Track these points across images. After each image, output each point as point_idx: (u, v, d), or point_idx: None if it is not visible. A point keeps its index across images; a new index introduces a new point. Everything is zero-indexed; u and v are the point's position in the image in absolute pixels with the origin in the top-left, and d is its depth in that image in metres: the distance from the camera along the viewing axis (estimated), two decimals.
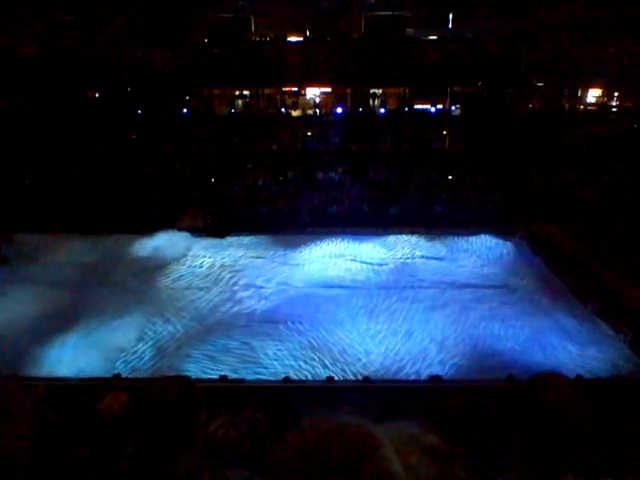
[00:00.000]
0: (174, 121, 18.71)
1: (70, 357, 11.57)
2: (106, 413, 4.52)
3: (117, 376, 7.79)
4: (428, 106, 20.15)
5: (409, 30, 19.88)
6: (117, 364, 11.37)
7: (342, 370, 11.35)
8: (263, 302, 14.48)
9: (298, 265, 16.38)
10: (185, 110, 19.31)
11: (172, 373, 9.37)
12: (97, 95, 20.77)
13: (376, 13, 18.41)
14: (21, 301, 14.14)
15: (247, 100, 19.47)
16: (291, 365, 11.69)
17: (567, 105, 20.45)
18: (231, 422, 4.59)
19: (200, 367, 11.65)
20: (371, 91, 19.61)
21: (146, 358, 11.76)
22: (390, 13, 19.05)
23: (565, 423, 1.88)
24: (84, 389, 6.28)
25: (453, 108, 20.11)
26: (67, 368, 11.10)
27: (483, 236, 17.81)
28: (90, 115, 18.81)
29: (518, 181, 18.67)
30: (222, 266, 16.31)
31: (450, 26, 20.64)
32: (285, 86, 19.74)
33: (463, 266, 16.31)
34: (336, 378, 10.13)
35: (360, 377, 10.14)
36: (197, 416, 3.94)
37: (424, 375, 10.53)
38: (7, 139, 17.05)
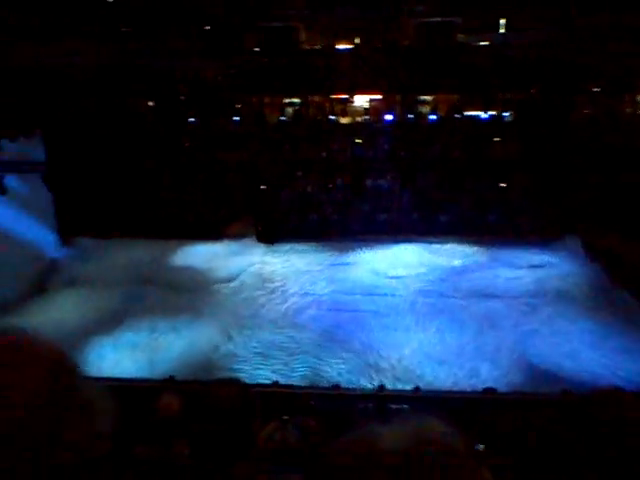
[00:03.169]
0: (225, 129, 19.01)
1: (121, 359, 11.88)
2: (163, 413, 4.62)
3: (171, 378, 7.92)
4: (480, 112, 19.82)
5: (460, 36, 19.61)
6: (169, 366, 11.60)
7: (392, 379, 11.27)
8: (311, 309, 14.55)
9: (347, 272, 16.38)
10: (236, 118, 19.58)
11: (223, 376, 9.54)
12: (151, 104, 21.28)
13: (426, 20, 18.23)
14: (75, 303, 14.65)
15: (297, 108, 19.60)
16: (340, 372, 11.69)
17: (625, 111, 19.80)
18: (285, 427, 4.61)
19: (250, 369, 11.79)
20: (421, 98, 19.44)
21: (198, 360, 11.96)
22: (440, 19, 18.85)
23: (627, 439, 1.81)
24: (140, 390, 6.42)
25: (505, 115, 19.74)
26: (119, 369, 11.41)
27: (537, 245, 17.37)
28: (145, 124, 19.32)
29: (573, 189, 18.16)
30: (271, 272, 16.47)
31: (502, 31, 20.27)
32: (334, 94, 19.79)
33: (516, 276, 15.91)
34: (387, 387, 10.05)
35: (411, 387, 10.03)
36: (253, 420, 3.97)
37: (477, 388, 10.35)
38: (68, 145, 17.71)
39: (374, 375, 11.51)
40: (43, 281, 16.36)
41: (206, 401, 3.55)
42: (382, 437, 1.06)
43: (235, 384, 3.64)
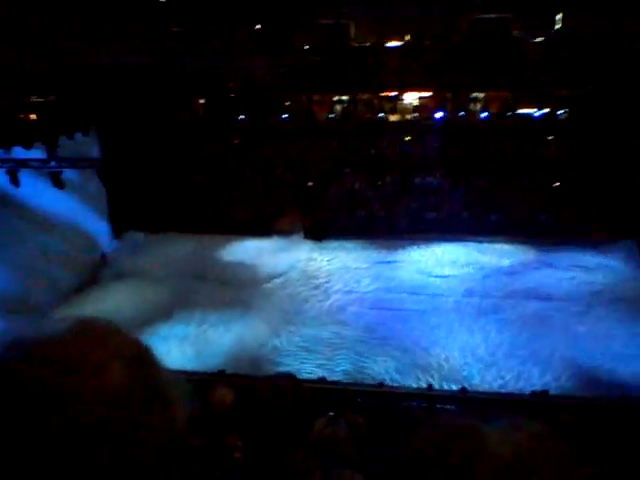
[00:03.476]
0: (274, 126, 19.15)
1: (169, 350, 12.14)
2: (217, 406, 4.70)
3: (222, 372, 8.06)
4: (533, 110, 19.35)
5: (514, 32, 19.19)
6: (217, 359, 11.81)
7: (439, 379, 11.16)
8: (356, 306, 14.55)
9: (393, 271, 16.29)
10: (285, 116, 19.69)
11: (269, 369, 9.64)
12: (202, 102, 21.60)
13: (480, 15, 17.89)
14: (126, 295, 15.04)
15: (345, 105, 19.56)
16: (385, 370, 11.65)
17: None
18: (335, 422, 4.62)
19: (295, 364, 11.88)
20: (473, 95, 19.12)
21: (245, 354, 12.12)
22: (495, 15, 18.48)
23: None
24: (192, 383, 6.57)
25: (559, 112, 19.21)
26: (168, 361, 11.64)
27: (589, 246, 16.84)
28: (195, 121, 19.64)
29: (629, 190, 17.55)
30: (317, 269, 16.54)
31: (558, 27, 19.74)
32: (383, 91, 19.66)
33: (567, 278, 15.50)
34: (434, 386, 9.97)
35: (458, 387, 9.90)
36: (304, 415, 4.00)
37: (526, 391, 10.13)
38: (122, 142, 18.18)
39: (420, 374, 11.42)
40: (95, 273, 16.88)
41: (259, 395, 3.59)
42: (489, 435, 1.03)
43: (288, 378, 3.66)
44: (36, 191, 14.84)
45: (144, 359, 1.01)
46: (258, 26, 20.44)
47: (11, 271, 14.10)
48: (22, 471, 0.83)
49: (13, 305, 13.25)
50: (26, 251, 14.77)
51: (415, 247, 17.50)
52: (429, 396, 9.14)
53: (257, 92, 19.59)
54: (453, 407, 8.92)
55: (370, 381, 10.80)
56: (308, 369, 11.75)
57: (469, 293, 14.88)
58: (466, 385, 10.19)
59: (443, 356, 11.97)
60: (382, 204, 18.12)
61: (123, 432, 0.87)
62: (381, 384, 10.03)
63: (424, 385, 10.42)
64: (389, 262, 16.83)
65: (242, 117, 19.76)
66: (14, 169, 13.69)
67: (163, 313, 13.63)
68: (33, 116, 17.15)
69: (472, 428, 1.03)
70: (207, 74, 19.83)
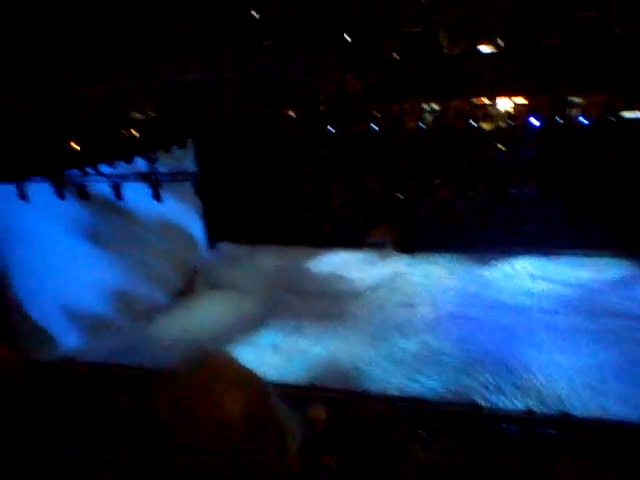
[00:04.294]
0: (364, 137, 19.11)
1: (261, 359, 12.31)
2: (312, 423, 4.63)
3: (313, 386, 8.02)
4: (637, 114, 18.16)
5: (616, 31, 18.13)
6: (307, 369, 11.85)
7: (536, 401, 10.60)
8: (447, 321, 14.18)
9: (486, 284, 15.74)
10: (374, 126, 19.61)
11: (361, 382, 9.51)
12: (292, 114, 21.94)
13: (579, 14, 17.03)
14: (219, 305, 15.48)
15: (436, 114, 19.20)
16: (478, 388, 11.23)
17: None
18: (429, 445, 4.43)
19: (385, 378, 11.71)
20: (571, 99, 18.20)
21: (335, 366, 12.09)
22: (595, 13, 17.53)
23: None
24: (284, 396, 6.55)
25: None
26: (259, 370, 11.82)
27: None
28: (285, 133, 19.97)
29: None
30: (408, 281, 16.27)
31: None
32: (475, 98, 19.14)
33: None
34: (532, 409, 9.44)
35: (557, 411, 9.33)
36: (397, 435, 3.83)
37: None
38: (217, 156, 18.79)
39: (515, 394, 10.93)
40: (191, 283, 17.51)
41: (353, 413, 3.48)
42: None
43: (386, 399, 3.54)
44: (136, 203, 15.60)
45: (261, 392, 1.01)
46: (347, 38, 20.57)
47: (118, 275, 15.14)
48: None
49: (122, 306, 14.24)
50: (126, 261, 15.67)
51: (508, 260, 16.84)
52: (527, 419, 8.66)
53: (347, 103, 19.65)
54: (553, 432, 8.40)
55: (461, 398, 10.45)
56: (397, 382, 11.56)
57: (567, 310, 14.09)
58: (564, 407, 9.62)
59: (538, 375, 11.40)
60: (474, 215, 17.54)
61: (241, 461, 0.90)
62: (475, 405, 9.65)
63: (520, 406, 9.94)
64: (481, 276, 16.28)
65: (331, 129, 19.90)
66: (118, 183, 14.43)
67: (255, 323, 13.91)
68: (134, 132, 18.10)
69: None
70: (297, 87, 20.16)
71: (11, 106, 13.57)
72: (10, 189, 13.40)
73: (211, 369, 1.02)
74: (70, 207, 14.34)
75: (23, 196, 13.82)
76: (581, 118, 17.91)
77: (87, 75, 15.45)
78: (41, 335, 13.67)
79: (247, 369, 1.07)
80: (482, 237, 17.55)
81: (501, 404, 10.63)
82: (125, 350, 13.15)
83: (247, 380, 1.04)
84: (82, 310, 14.71)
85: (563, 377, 11.36)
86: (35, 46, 14.04)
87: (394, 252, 17.89)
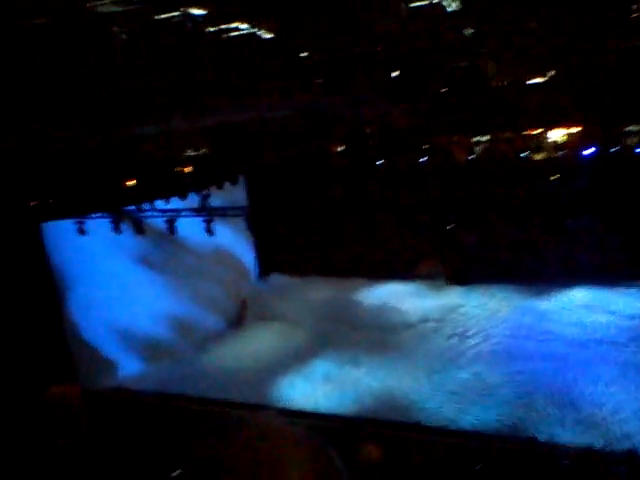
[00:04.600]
0: (412, 170, 19.12)
1: (313, 390, 12.28)
2: (364, 462, 4.56)
3: (366, 419, 7.92)
4: None
5: None
6: (359, 400, 11.73)
7: (600, 437, 10.12)
8: (502, 354, 13.84)
9: (542, 317, 15.31)
10: (423, 159, 19.63)
11: (415, 415, 9.32)
12: (339, 149, 22.20)
13: (634, 42, 16.75)
14: (269, 336, 15.60)
15: (486, 145, 19.09)
16: (535, 422, 10.83)
17: None
18: None
19: (438, 411, 11.48)
20: (627, 128, 17.81)
21: (390, 397, 11.95)
22: None
23: None
24: (339, 430, 6.47)
25: None
26: (311, 400, 11.80)
27: None
28: (332, 167, 20.22)
29: None
30: (460, 314, 16.01)
31: None
32: (527, 129, 18.96)
33: None
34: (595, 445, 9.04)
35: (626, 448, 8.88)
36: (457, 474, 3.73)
37: None
38: (267, 191, 19.14)
39: (577, 429, 10.47)
40: (241, 313, 17.78)
41: (407, 451, 3.43)
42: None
43: (435, 433, 3.48)
44: (191, 234, 16.01)
45: (326, 457, 1.01)
46: (394, 73, 20.79)
47: (175, 303, 15.59)
48: None
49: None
50: (182, 289, 16.14)
51: (565, 293, 16.38)
52: (592, 455, 8.28)
53: (395, 136, 19.78)
54: (622, 469, 8.01)
55: (516, 431, 10.14)
56: (451, 415, 11.30)
57: (622, 342, 13.57)
58: (632, 444, 9.17)
59: (602, 410, 10.92)
60: (528, 247, 17.17)
61: None
62: (533, 439, 9.31)
63: (581, 442, 9.51)
64: (536, 307, 15.87)
65: (380, 162, 20.02)
66: (172, 218, 14.81)
67: (307, 354, 13.95)
68: (188, 169, 18.65)
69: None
70: (345, 122, 20.43)
71: (73, 146, 14.21)
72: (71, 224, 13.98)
73: (275, 429, 1.04)
74: (128, 239, 14.85)
75: (82, 231, 14.37)
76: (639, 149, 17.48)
77: (143, 115, 16.05)
78: (100, 362, 14.07)
79: (310, 435, 1.07)
80: (537, 268, 17.14)
81: (559, 439, 10.19)
82: (181, 378, 13.36)
83: (309, 438, 1.05)
84: (141, 336, 15.16)
85: (627, 412, 10.85)
86: (98, 88, 14.71)
87: (446, 284, 17.67)
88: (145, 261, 16.01)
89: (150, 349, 15.19)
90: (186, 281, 16.50)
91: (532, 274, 17.06)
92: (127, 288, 15.16)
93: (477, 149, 19.28)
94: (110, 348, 14.69)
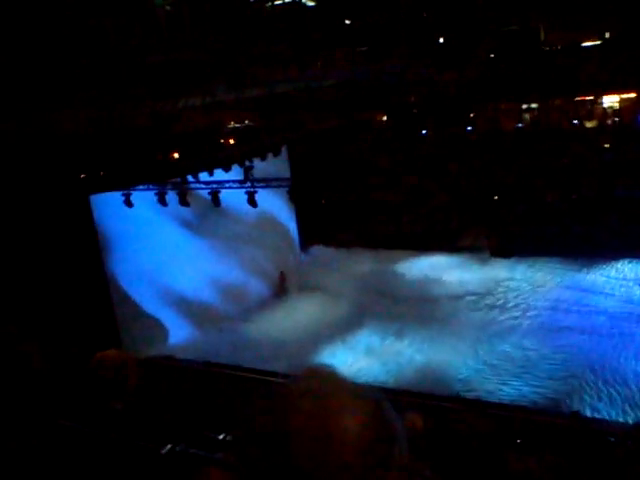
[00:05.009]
0: (459, 139, 18.71)
1: (355, 361, 12.38)
2: (408, 430, 4.60)
3: (408, 391, 7.96)
4: None
5: None
6: (401, 372, 11.79)
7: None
8: (545, 328, 13.62)
9: (591, 290, 14.96)
10: (469, 128, 19.18)
11: (456, 387, 9.32)
12: (384, 118, 21.87)
13: None
14: (312, 307, 15.72)
15: (535, 113, 18.48)
16: (578, 398, 10.67)
17: None
18: (528, 456, 4.27)
19: (480, 382, 11.45)
20: None
21: (432, 369, 11.96)
22: None
23: None
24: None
25: None
26: (354, 371, 11.90)
27: None
28: (376, 137, 19.95)
29: None
30: (504, 287, 15.77)
31: None
32: (579, 96, 18.23)
33: None
34: None
35: None
36: (500, 446, 3.72)
37: None
38: (309, 162, 19.12)
39: (625, 406, 10.28)
40: (280, 286, 17.99)
41: (450, 422, 3.44)
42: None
43: (480, 406, 3.48)
44: (234, 206, 16.21)
45: (379, 405, 1.02)
46: (441, 39, 20.23)
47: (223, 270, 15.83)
48: None
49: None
50: (229, 258, 16.44)
51: (614, 265, 15.90)
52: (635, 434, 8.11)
53: (440, 105, 19.34)
54: None
55: (558, 406, 10.01)
56: (493, 387, 11.26)
57: None
58: None
59: None
60: (577, 219, 16.63)
61: (366, 473, 0.92)
62: (577, 414, 9.17)
63: (629, 419, 9.33)
64: (584, 281, 15.48)
65: (425, 131, 19.67)
66: (216, 190, 15.00)
67: (349, 326, 14.01)
68: (231, 140, 18.76)
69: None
70: (390, 91, 20.07)
71: (121, 119, 14.45)
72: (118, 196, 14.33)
73: (328, 383, 1.04)
74: (174, 209, 15.10)
75: (129, 203, 14.71)
76: None
77: (187, 87, 16.15)
78: (150, 328, 14.51)
79: (365, 387, 1.09)
80: (586, 241, 16.65)
81: (605, 415, 10.03)
82: (227, 347, 13.59)
83: (362, 391, 1.06)
84: (189, 302, 15.52)
85: None
86: (143, 61, 14.85)
87: (490, 257, 17.37)
88: (191, 229, 16.27)
89: (198, 315, 15.52)
90: (232, 249, 16.71)
91: (579, 247, 16.59)
92: (174, 256, 15.42)
93: (525, 117, 18.70)
94: (160, 314, 15.10)
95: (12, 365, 1.52)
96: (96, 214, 13.76)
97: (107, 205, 14.15)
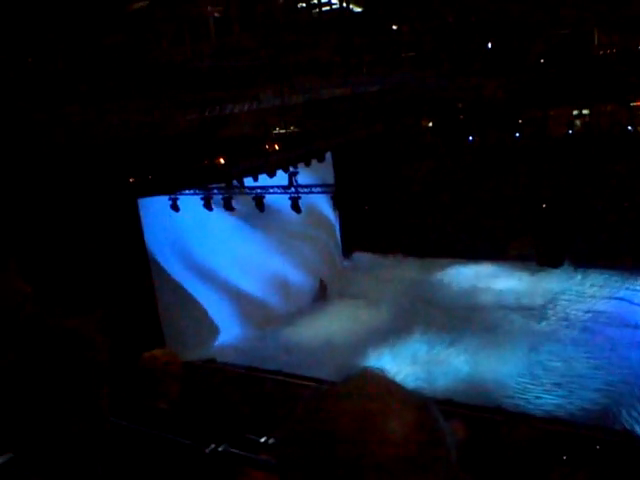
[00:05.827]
0: (506, 146, 18.40)
1: (400, 370, 12.25)
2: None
3: (450, 400, 7.85)
4: None
5: None
6: (448, 382, 11.64)
7: None
8: (597, 341, 13.23)
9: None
10: (517, 134, 18.85)
11: (500, 398, 9.15)
12: (430, 124, 21.70)
13: None
14: (353, 313, 15.67)
15: (586, 119, 18.02)
16: (624, 414, 10.32)
17: None
18: (573, 473, 4.16)
19: (526, 394, 11.21)
20: None
21: (475, 379, 11.79)
22: None
23: None
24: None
25: None
26: (398, 380, 11.76)
27: None
28: (422, 143, 19.81)
29: None
30: (552, 297, 15.40)
31: None
32: (633, 101, 17.71)
33: None
34: None
35: None
36: (545, 462, 3.64)
37: None
38: (353, 168, 19.12)
39: None
40: (320, 294, 17.99)
41: (495, 434, 3.38)
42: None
43: (527, 420, 3.40)
44: (277, 214, 16.32)
45: (428, 409, 1.00)
46: (489, 44, 19.94)
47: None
48: None
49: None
50: (272, 265, 16.53)
51: None
52: None
53: (487, 111, 19.06)
54: None
55: (601, 419, 9.73)
56: (536, 399, 11.04)
57: None
58: None
59: None
60: (630, 228, 16.08)
61: (412, 477, 0.90)
62: (627, 432, 8.88)
63: None
64: (631, 295, 14.96)
65: (471, 138, 19.41)
66: (260, 195, 15.15)
67: (396, 333, 13.92)
68: (276, 146, 18.93)
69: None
70: (436, 97, 19.89)
71: (168, 124, 14.77)
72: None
73: (376, 385, 1.04)
74: (219, 215, 15.27)
75: (175, 207, 15.02)
76: None
77: (233, 93, 16.38)
78: (199, 328, 14.69)
79: (407, 387, 1.08)
80: (637, 250, 16.10)
81: None
82: (270, 353, 13.64)
83: (412, 394, 1.05)
84: (240, 301, 15.63)
85: None
86: (191, 67, 15.14)
87: (537, 266, 17.00)
88: (244, 225, 16.38)
89: (250, 314, 15.63)
90: (285, 247, 16.73)
91: (630, 256, 16.04)
92: (223, 256, 15.59)
93: (576, 123, 18.26)
94: (210, 313, 15.30)
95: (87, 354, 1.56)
96: (145, 217, 14.09)
97: (155, 209, 14.50)
